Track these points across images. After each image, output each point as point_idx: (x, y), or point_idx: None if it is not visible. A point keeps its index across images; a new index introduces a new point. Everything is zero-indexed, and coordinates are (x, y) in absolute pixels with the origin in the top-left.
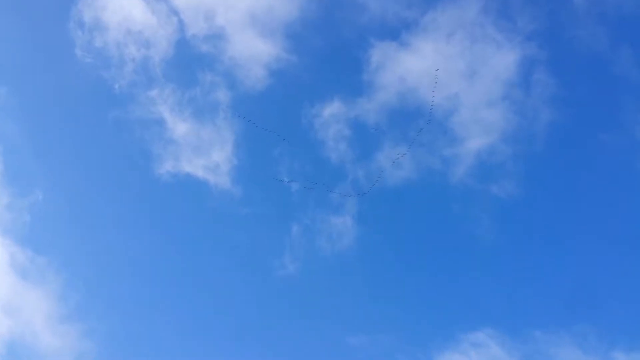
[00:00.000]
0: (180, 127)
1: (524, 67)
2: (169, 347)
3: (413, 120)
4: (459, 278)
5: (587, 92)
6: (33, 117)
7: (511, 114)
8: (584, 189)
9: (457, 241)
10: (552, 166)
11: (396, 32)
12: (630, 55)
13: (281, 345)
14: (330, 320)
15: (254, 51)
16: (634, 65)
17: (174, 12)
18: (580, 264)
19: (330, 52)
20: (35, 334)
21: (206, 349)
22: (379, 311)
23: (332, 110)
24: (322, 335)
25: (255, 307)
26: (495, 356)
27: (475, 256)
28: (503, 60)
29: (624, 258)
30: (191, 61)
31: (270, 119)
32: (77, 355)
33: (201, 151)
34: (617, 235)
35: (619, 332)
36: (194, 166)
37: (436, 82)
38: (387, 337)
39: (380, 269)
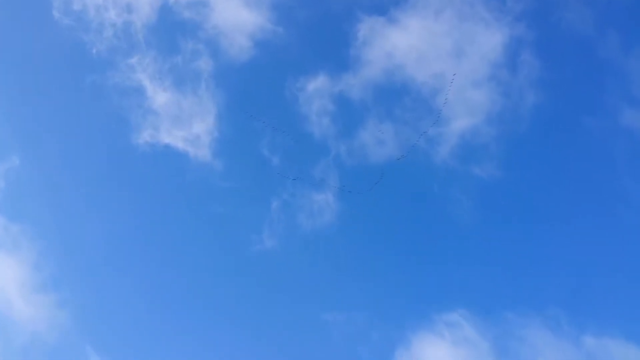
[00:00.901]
0: (160, 96)
1: (512, 48)
2: (143, 319)
3: (398, 97)
4: (436, 258)
5: (572, 75)
6: (7, 79)
7: (497, 95)
8: (566, 173)
9: (436, 221)
10: (534, 149)
11: (385, 7)
12: (616, 40)
13: (254, 320)
14: (306, 296)
15: (238, 20)
16: (620, 49)
17: None
18: (556, 248)
19: (317, 25)
20: (8, 303)
21: (179, 321)
22: (355, 288)
23: (316, 84)
24: (296, 311)
25: (230, 281)
26: (467, 337)
27: (453, 237)
28: (491, 40)
29: (601, 244)
30: (173, 28)
31: (253, 91)
32: (51, 325)
33: (181, 122)
34: (595, 220)
35: (589, 317)
36: (174, 137)
37: (452, 82)
38: (362, 315)
39: (359, 247)
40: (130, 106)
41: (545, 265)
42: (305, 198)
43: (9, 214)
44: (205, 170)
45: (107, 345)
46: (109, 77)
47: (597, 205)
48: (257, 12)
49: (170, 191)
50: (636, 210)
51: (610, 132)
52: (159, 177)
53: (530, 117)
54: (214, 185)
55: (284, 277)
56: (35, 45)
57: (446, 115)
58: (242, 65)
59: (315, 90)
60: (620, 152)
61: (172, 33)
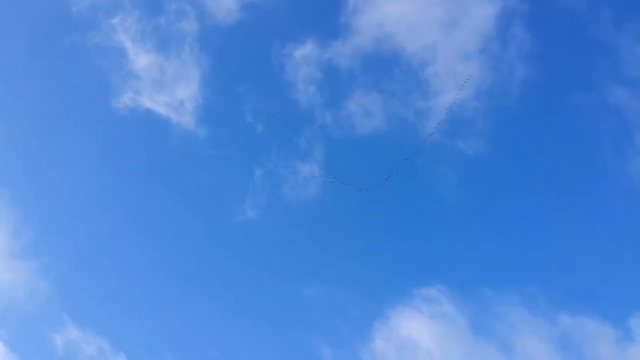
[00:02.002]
0: (142, 59)
1: (504, 20)
2: (121, 289)
3: (387, 68)
4: (417, 233)
5: (562, 51)
6: None
7: (486, 69)
8: (551, 151)
9: (419, 196)
10: (522, 125)
11: None
12: (609, 17)
13: (232, 291)
14: (287, 269)
15: None
16: (613, 27)
17: None
18: (537, 226)
19: None
20: None
21: (158, 291)
22: (336, 263)
23: (304, 51)
24: (276, 283)
25: (210, 251)
26: (445, 312)
27: (436, 212)
28: (483, 11)
29: (581, 223)
30: None
31: (239, 55)
32: (30, 293)
33: (164, 86)
34: (577, 199)
35: (566, 296)
36: (156, 102)
37: (464, 84)
38: (342, 289)
39: (342, 221)
40: (111, 68)
41: (526, 243)
42: (290, 168)
43: None
44: (189, 137)
45: (84, 315)
46: (89, 38)
47: (579, 185)
48: None
49: (151, 158)
50: (618, 190)
51: (598, 110)
52: (140, 143)
53: (519, 92)
54: (196, 153)
55: (265, 249)
56: (11, 1)
57: (435, 88)
58: (228, 28)
59: (303, 57)
60: (606, 131)
61: None
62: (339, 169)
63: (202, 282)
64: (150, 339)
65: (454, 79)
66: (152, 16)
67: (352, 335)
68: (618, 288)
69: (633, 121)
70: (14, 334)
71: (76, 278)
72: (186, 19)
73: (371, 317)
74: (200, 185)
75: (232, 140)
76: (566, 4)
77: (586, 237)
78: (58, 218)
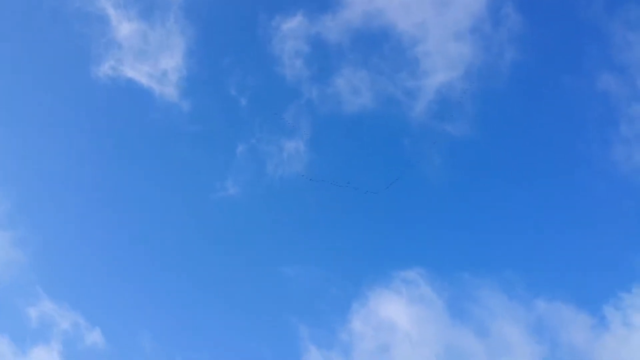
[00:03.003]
0: (124, 27)
1: (496, 1)
2: (99, 261)
3: (377, 44)
4: (400, 214)
5: (553, 34)
6: None
7: (477, 50)
8: (538, 135)
9: (404, 178)
10: (509, 108)
11: None
12: (600, 2)
13: (211, 268)
14: (267, 247)
15: None
16: (604, 12)
17: None
18: (519, 211)
19: None
20: None
21: (133, 266)
22: (317, 242)
23: (292, 24)
24: (255, 261)
25: (188, 227)
26: (424, 295)
27: (420, 194)
28: None
29: (563, 209)
30: None
31: (225, 26)
32: (7, 264)
33: (147, 56)
34: (560, 185)
35: (543, 282)
36: (138, 72)
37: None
38: (322, 269)
39: (324, 200)
40: (92, 35)
41: (506, 228)
42: (274, 144)
43: None
44: (171, 110)
45: (60, 288)
46: (70, 3)
47: (562, 171)
48: None
49: (131, 129)
50: (600, 178)
51: (585, 95)
52: (120, 114)
53: (508, 74)
54: (178, 126)
55: (245, 227)
56: None
57: (424, 67)
58: None
59: (290, 30)
60: (592, 117)
61: None
62: (325, 146)
63: (179, 259)
64: (126, 315)
65: (444, 58)
66: None
67: (331, 315)
68: (595, 276)
69: (619, 108)
70: None
71: (52, 251)
72: None
73: (350, 298)
74: (180, 160)
75: (215, 114)
76: None
77: (566, 223)
78: (35, 189)
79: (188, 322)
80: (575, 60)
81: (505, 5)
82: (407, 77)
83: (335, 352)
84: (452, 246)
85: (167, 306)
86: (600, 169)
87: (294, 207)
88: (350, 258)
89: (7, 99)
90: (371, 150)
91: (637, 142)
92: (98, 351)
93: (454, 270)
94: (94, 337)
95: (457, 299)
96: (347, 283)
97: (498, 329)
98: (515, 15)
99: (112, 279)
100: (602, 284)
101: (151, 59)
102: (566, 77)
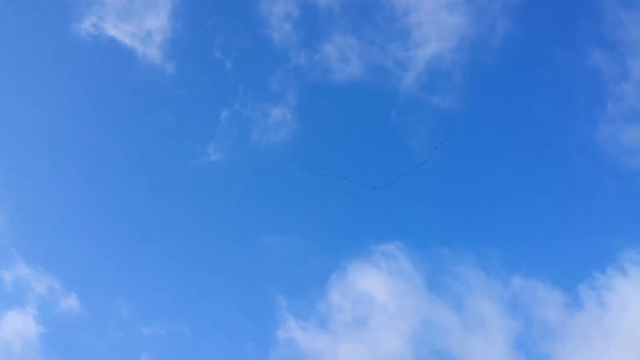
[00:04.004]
0: None
1: None
2: (76, 225)
3: (368, 11)
4: (383, 187)
5: (547, 6)
6: None
7: (470, 21)
8: (525, 111)
9: (389, 150)
10: (499, 82)
11: None
12: None
13: (189, 235)
14: (247, 216)
15: None
16: None
17: None
18: (501, 188)
19: None
20: None
21: (111, 231)
22: (297, 212)
23: None
24: (234, 230)
25: (167, 193)
26: (402, 269)
27: (403, 168)
28: None
29: (546, 187)
30: None
31: None
32: None
33: (131, 14)
34: (543, 163)
35: (521, 260)
36: (121, 31)
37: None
38: (301, 240)
39: (308, 170)
40: None
41: (487, 204)
42: (259, 111)
43: None
44: (155, 72)
45: (35, 252)
46: None
47: (546, 148)
48: None
49: (112, 90)
50: (583, 156)
51: (575, 71)
52: (100, 74)
53: (500, 46)
54: (161, 89)
55: (225, 194)
56: None
57: (416, 38)
58: None
59: None
60: (580, 94)
61: None
62: (313, 115)
63: (157, 224)
64: (103, 281)
65: (437, 30)
66: None
67: (309, 286)
68: (571, 255)
69: (607, 86)
70: None
71: (28, 214)
72: None
73: (329, 270)
74: (161, 123)
75: (199, 77)
76: None
77: (546, 202)
78: (9, 150)
79: (165, 289)
80: (568, 35)
81: None
82: (398, 47)
83: (312, 323)
84: (432, 221)
85: (145, 273)
86: (584, 147)
87: (277, 176)
88: (330, 230)
89: None
90: (358, 121)
91: (622, 122)
92: (74, 316)
93: (434, 245)
94: (70, 302)
95: (435, 274)
96: (327, 255)
97: (474, 304)
98: None
99: (89, 244)
100: (578, 263)
101: (135, 18)
102: (557, 52)
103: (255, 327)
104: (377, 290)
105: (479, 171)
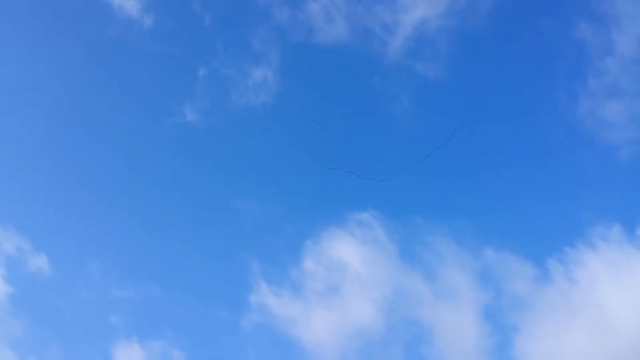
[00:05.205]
0: None
1: None
2: (46, 184)
3: None
4: (362, 154)
5: None
6: None
7: None
8: (508, 82)
9: (369, 116)
10: (484, 50)
11: None
12: None
13: (162, 198)
14: (222, 179)
15: None
16: None
17: None
18: (479, 159)
19: None
20: None
21: (82, 190)
22: (274, 178)
23: None
24: (208, 193)
25: (140, 153)
26: (377, 237)
27: (383, 136)
28: None
29: (523, 160)
30: None
31: None
32: None
33: None
34: (522, 135)
35: (493, 232)
36: None
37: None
38: (276, 206)
39: (288, 134)
40: None
41: (463, 176)
42: (238, 70)
43: None
44: (131, 25)
45: (3, 210)
46: None
47: (525, 120)
48: None
49: (86, 44)
50: (562, 130)
51: (560, 43)
52: (74, 26)
53: (488, 13)
54: (138, 44)
55: (200, 156)
56: None
57: (403, 1)
58: None
59: None
60: (564, 67)
61: None
62: (296, 76)
63: (128, 185)
64: (74, 241)
65: None
66: None
67: (283, 253)
68: (543, 229)
69: (590, 60)
70: None
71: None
72: None
73: (303, 237)
74: (135, 80)
75: (176, 32)
76: None
77: (521, 174)
78: None
79: (137, 251)
80: (556, 4)
81: None
82: (385, 10)
83: (286, 289)
84: (408, 190)
85: (116, 235)
86: (562, 120)
87: (255, 140)
88: (306, 197)
89: None
90: (340, 85)
91: (603, 97)
92: (43, 277)
93: (409, 215)
94: (39, 263)
95: (409, 243)
96: (302, 222)
97: (445, 274)
98: None
99: (60, 203)
100: (549, 237)
101: None
102: (544, 21)
103: (227, 291)
104: (351, 258)
105: (455, 142)
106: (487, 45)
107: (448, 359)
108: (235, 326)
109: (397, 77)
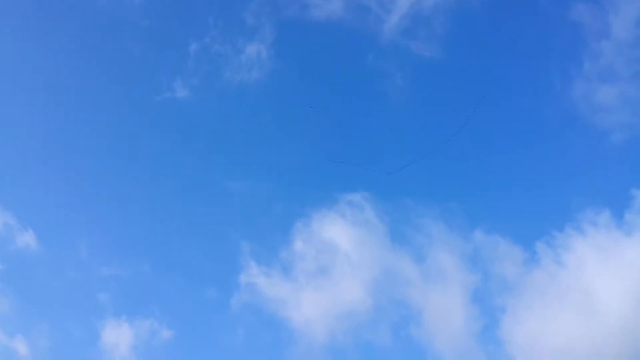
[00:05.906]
0: None
1: None
2: (34, 159)
3: None
4: (354, 134)
5: None
6: None
7: None
8: (503, 63)
9: (363, 95)
10: (480, 30)
11: None
12: None
13: (151, 175)
14: (212, 158)
15: None
16: None
17: None
18: (471, 142)
19: None
20: None
21: (70, 165)
22: (265, 157)
23: None
24: (198, 171)
25: (129, 130)
26: (367, 218)
27: (376, 116)
28: None
29: (516, 144)
30: None
31: None
32: None
33: None
34: (516, 118)
35: (483, 215)
36: None
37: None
38: (267, 186)
39: (280, 113)
40: None
41: (455, 158)
42: (231, 46)
43: None
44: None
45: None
46: None
47: (519, 103)
48: None
49: (75, 18)
50: (555, 114)
51: (557, 23)
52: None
53: None
54: (129, 18)
55: (191, 134)
56: None
57: None
58: None
59: None
60: (559, 47)
61: None
62: (290, 53)
63: (117, 161)
64: (62, 219)
65: None
66: None
67: (273, 233)
68: (532, 212)
69: (585, 43)
70: None
71: None
72: None
73: (294, 217)
74: (125, 54)
75: (167, 6)
76: None
77: (513, 158)
78: None
79: (126, 229)
80: None
81: None
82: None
83: (275, 270)
84: (399, 172)
85: (105, 212)
86: (556, 104)
87: (246, 118)
88: (297, 177)
89: None
90: (334, 63)
91: (597, 81)
92: (31, 253)
93: (399, 197)
94: (27, 239)
95: (399, 225)
96: (293, 202)
97: (435, 256)
98: None
99: (48, 179)
100: (538, 221)
101: None
102: (541, 2)
103: (217, 270)
104: (341, 239)
105: (448, 123)
106: (483, 26)
107: (436, 340)
108: (225, 306)
109: (392, 55)
